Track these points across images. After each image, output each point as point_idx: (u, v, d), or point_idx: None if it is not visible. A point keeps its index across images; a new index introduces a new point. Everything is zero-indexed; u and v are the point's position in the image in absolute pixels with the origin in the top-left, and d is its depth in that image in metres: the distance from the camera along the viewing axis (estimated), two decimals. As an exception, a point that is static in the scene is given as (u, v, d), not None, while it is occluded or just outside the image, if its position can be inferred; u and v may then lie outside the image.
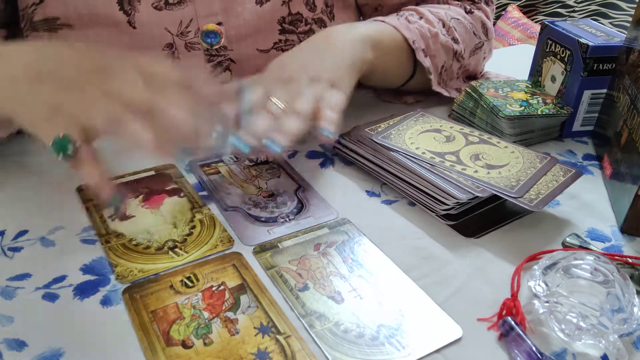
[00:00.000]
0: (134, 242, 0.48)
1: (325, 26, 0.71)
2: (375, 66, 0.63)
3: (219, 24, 0.65)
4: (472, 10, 0.74)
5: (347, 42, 0.61)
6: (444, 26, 0.70)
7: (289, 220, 0.52)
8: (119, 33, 0.62)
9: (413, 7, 0.71)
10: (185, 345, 0.39)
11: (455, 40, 0.70)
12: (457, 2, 0.75)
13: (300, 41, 0.69)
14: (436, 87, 0.70)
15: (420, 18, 0.69)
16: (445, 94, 0.71)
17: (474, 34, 0.73)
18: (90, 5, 0.61)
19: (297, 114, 0.53)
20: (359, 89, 0.64)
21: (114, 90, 0.43)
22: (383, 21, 0.66)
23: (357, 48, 0.61)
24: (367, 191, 0.56)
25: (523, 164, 0.54)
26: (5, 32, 0.65)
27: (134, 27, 0.62)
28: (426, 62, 0.67)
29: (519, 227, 0.52)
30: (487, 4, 0.77)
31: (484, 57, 0.78)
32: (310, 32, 0.70)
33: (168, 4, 0.63)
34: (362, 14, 0.78)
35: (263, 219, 0.52)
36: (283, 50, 0.69)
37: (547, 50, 0.68)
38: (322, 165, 0.61)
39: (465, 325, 0.41)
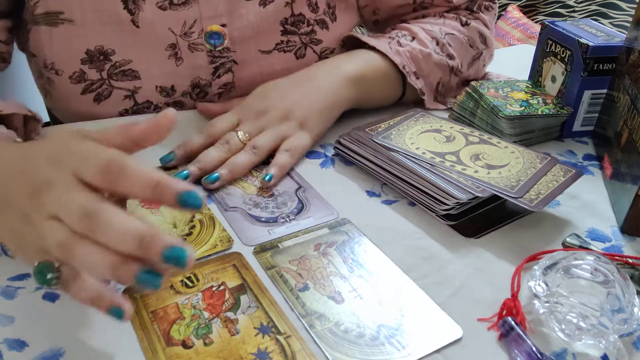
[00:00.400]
0: (134, 242, 0.48)
1: (327, 27, 0.71)
2: (360, 99, 0.67)
3: (223, 25, 0.65)
4: (469, 21, 0.74)
5: (329, 82, 0.64)
6: (437, 44, 0.70)
7: (289, 220, 0.52)
8: (122, 32, 0.62)
9: (407, 26, 0.72)
10: (185, 345, 0.39)
11: (450, 56, 0.71)
12: (452, 15, 0.75)
13: (302, 42, 0.70)
14: (430, 105, 0.71)
15: (413, 39, 0.70)
16: (442, 107, 0.72)
17: (471, 46, 0.74)
18: (95, 2, 0.61)
19: (254, 149, 0.58)
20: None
21: (53, 210, 0.34)
22: (374, 47, 0.68)
23: (338, 89, 0.64)
24: (367, 191, 0.56)
25: (523, 164, 0.54)
26: (10, 22, 0.65)
27: (138, 26, 0.63)
28: (418, 84, 0.69)
29: (519, 227, 0.52)
30: (487, 9, 0.77)
31: (484, 64, 0.78)
32: (312, 33, 0.70)
33: (173, 4, 0.63)
34: (361, 16, 0.78)
35: (263, 219, 0.52)
36: (285, 52, 0.69)
37: (548, 50, 0.68)
38: (322, 165, 0.61)
39: (465, 325, 0.41)
